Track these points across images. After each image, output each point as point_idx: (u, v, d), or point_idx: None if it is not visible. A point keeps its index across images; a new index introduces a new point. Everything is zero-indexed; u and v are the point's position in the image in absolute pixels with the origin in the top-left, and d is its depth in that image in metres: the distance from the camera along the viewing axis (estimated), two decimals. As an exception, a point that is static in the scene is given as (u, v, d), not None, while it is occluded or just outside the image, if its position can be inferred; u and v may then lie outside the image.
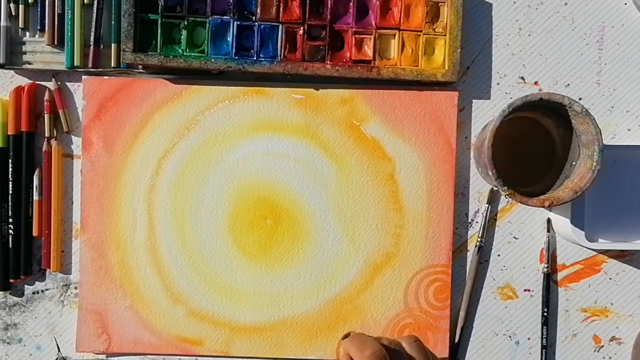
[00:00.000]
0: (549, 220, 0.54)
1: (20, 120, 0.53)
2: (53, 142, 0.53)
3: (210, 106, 0.53)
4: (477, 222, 0.54)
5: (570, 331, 0.54)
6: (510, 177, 0.46)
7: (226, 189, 0.54)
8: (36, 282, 0.54)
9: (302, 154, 0.54)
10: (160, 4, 0.51)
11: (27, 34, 0.53)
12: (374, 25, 0.52)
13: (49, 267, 0.54)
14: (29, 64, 0.53)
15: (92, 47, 0.53)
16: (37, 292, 0.54)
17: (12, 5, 0.53)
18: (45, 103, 0.53)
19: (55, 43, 0.53)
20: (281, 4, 0.51)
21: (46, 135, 0.53)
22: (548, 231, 0.54)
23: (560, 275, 0.54)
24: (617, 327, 0.54)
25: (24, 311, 0.54)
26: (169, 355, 0.54)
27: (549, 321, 0.54)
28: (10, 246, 0.53)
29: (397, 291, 0.53)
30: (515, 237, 0.54)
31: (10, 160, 0.53)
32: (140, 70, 0.53)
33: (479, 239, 0.54)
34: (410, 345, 0.42)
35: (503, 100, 0.55)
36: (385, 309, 0.53)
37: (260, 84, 0.53)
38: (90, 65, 0.53)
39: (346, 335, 0.45)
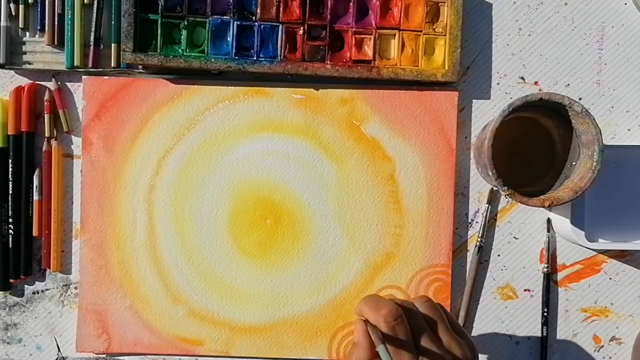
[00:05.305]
0: (549, 220, 0.54)
1: (20, 120, 0.53)
2: (53, 142, 0.53)
3: (210, 106, 0.53)
4: (477, 222, 0.54)
5: (570, 331, 0.54)
6: (510, 177, 0.46)
7: (226, 189, 0.54)
8: (36, 282, 0.54)
9: (302, 154, 0.54)
10: (160, 4, 0.51)
11: (27, 34, 0.53)
12: (374, 25, 0.52)
13: (49, 267, 0.54)
14: (29, 64, 0.53)
15: (92, 47, 0.53)
16: (37, 292, 0.54)
17: (12, 5, 0.53)
18: (45, 103, 0.53)
19: (55, 43, 0.53)
20: (281, 4, 0.51)
21: (46, 135, 0.53)
22: (548, 231, 0.54)
23: (560, 275, 0.54)
24: (617, 327, 0.54)
25: (24, 311, 0.54)
26: (169, 355, 0.54)
27: (549, 321, 0.54)
28: (10, 246, 0.53)
29: (397, 291, 0.53)
30: (515, 237, 0.54)
31: (10, 160, 0.53)
32: (140, 70, 0.53)
33: (479, 239, 0.54)
34: (423, 305, 0.43)
35: (503, 100, 0.55)
36: (385, 309, 0.53)
37: (260, 84, 0.53)
38: (90, 65, 0.53)
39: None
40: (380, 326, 0.40)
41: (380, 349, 0.38)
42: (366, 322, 0.41)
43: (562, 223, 0.52)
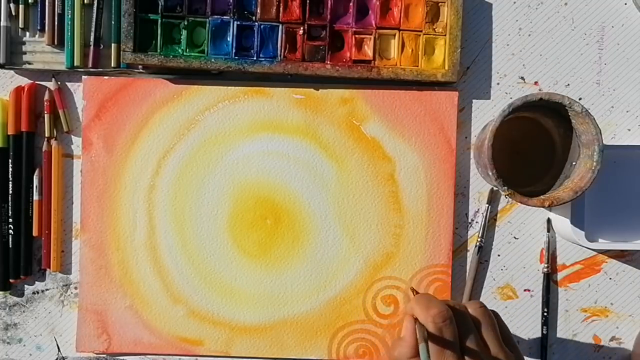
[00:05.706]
0: (549, 220, 0.54)
1: (20, 120, 0.53)
2: (53, 142, 0.53)
3: (210, 106, 0.53)
4: (477, 222, 0.54)
5: (570, 331, 0.54)
6: (510, 177, 0.46)
7: (226, 189, 0.54)
8: (36, 282, 0.54)
9: (302, 154, 0.54)
10: (160, 4, 0.51)
11: (27, 34, 0.53)
12: (374, 25, 0.52)
13: (49, 267, 0.54)
14: (29, 64, 0.53)
15: (92, 47, 0.53)
16: (37, 292, 0.54)
17: (12, 5, 0.53)
18: (45, 103, 0.53)
19: (55, 43, 0.53)
20: (281, 4, 0.51)
21: (46, 135, 0.53)
22: (548, 231, 0.54)
23: (560, 275, 0.54)
24: (617, 327, 0.54)
25: (24, 311, 0.54)
26: (169, 355, 0.54)
27: (549, 321, 0.54)
28: (10, 246, 0.53)
29: (396, 291, 0.53)
30: (515, 237, 0.54)
31: (10, 160, 0.53)
32: (140, 70, 0.53)
33: (479, 239, 0.54)
34: (477, 310, 0.42)
35: (503, 100, 0.55)
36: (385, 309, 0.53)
37: (260, 84, 0.53)
38: (90, 65, 0.53)
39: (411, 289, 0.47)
40: (428, 326, 0.40)
41: (421, 347, 0.38)
42: (416, 320, 0.41)
43: (562, 223, 0.52)
